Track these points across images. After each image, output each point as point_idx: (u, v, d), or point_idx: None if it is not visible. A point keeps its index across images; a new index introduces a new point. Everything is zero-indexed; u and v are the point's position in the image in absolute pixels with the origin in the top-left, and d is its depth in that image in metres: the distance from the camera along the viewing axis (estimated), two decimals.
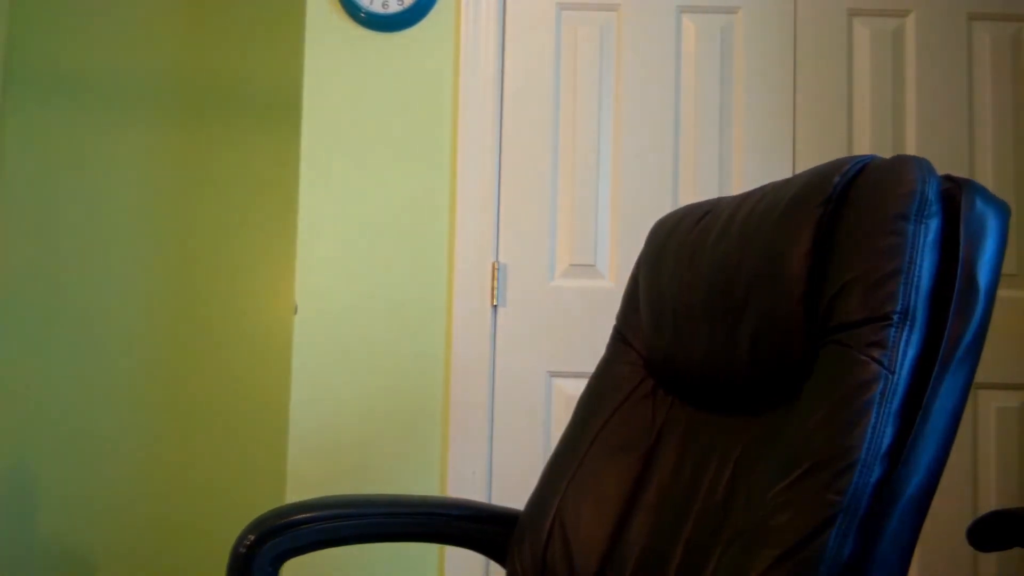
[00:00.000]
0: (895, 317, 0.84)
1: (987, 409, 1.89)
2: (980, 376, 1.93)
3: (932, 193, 0.88)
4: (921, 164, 0.89)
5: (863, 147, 1.93)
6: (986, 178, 1.93)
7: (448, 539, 1.22)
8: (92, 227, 2.41)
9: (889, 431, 0.82)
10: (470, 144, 1.93)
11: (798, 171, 1.93)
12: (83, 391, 2.38)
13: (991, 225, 0.89)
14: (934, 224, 0.87)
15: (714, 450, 1.05)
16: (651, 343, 1.20)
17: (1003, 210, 0.91)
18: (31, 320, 2.39)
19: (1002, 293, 1.93)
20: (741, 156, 1.94)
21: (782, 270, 0.94)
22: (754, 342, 0.97)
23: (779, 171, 1.93)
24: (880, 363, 0.83)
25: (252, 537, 1.06)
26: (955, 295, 0.86)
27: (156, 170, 2.43)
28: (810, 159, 1.93)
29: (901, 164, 0.90)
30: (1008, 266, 1.91)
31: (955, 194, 0.89)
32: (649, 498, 1.12)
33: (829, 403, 0.84)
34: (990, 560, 1.85)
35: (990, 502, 1.87)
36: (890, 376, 0.82)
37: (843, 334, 0.86)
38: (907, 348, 0.84)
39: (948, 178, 0.91)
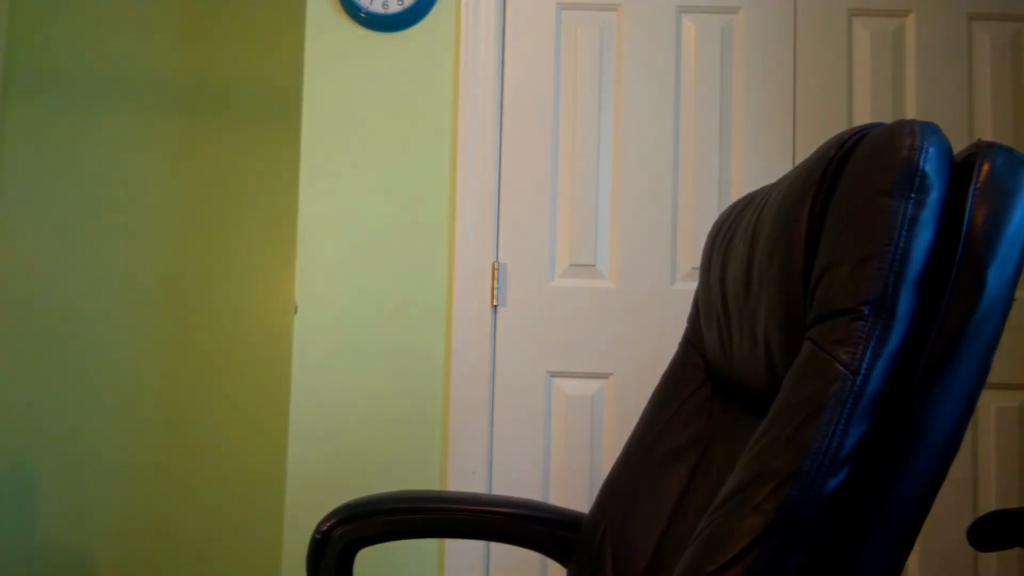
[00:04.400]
0: (865, 309, 0.73)
1: (987, 409, 1.89)
2: None
3: (929, 163, 0.74)
4: (918, 129, 0.75)
5: None
6: None
7: (515, 539, 1.23)
8: (91, 227, 2.41)
9: (850, 438, 0.72)
10: (470, 144, 1.93)
11: None
12: (82, 391, 2.38)
13: (1018, 195, 0.73)
14: (932, 198, 0.73)
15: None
16: (708, 345, 1.14)
17: None
18: (30, 320, 2.38)
19: None
20: (741, 156, 1.94)
21: (782, 256, 0.83)
22: (766, 339, 0.88)
23: (779, 171, 1.93)
24: (842, 362, 0.72)
25: (331, 523, 1.11)
26: (951, 282, 0.73)
27: (156, 170, 2.43)
28: None
29: (896, 130, 0.77)
30: None
31: (972, 161, 0.75)
32: (693, 508, 1.08)
33: (786, 408, 0.75)
34: (990, 560, 1.85)
35: (990, 502, 1.87)
36: (851, 378, 0.72)
37: (815, 329, 0.76)
38: (880, 345, 0.73)
39: (977, 144, 0.77)
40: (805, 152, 1.93)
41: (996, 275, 0.73)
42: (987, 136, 1.94)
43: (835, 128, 1.93)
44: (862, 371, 0.72)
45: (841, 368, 0.72)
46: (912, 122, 0.77)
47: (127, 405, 2.38)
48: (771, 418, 0.76)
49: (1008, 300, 0.75)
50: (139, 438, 2.38)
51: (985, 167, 0.73)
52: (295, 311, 1.93)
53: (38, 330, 2.39)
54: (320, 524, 1.12)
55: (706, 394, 1.14)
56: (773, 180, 1.93)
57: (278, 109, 2.42)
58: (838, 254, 0.75)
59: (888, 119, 1.93)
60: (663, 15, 1.96)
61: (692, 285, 1.91)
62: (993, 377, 1.90)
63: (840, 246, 0.75)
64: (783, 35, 1.96)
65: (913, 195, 0.73)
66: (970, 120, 1.94)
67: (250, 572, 2.31)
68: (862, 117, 1.94)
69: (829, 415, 0.72)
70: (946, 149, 0.76)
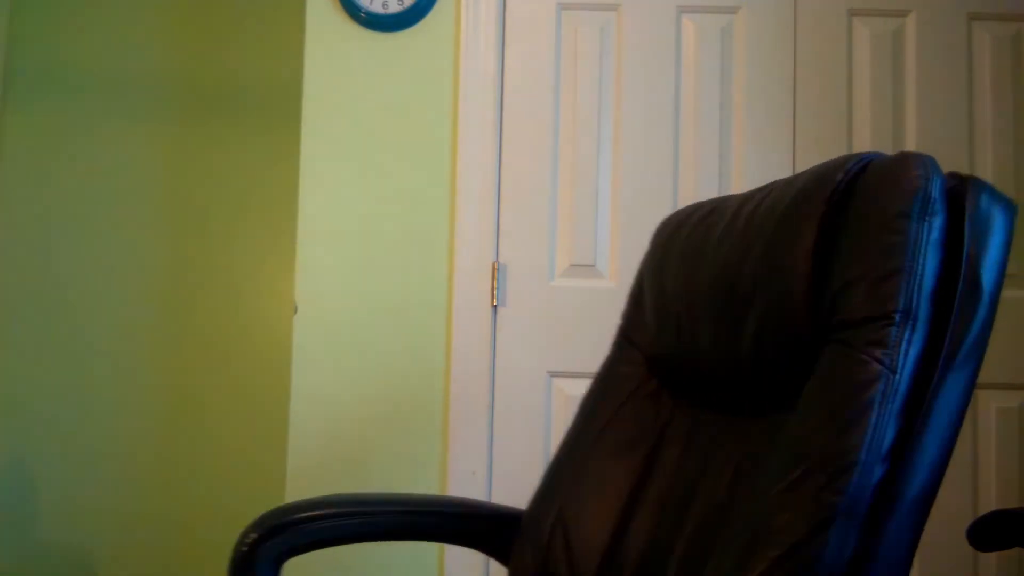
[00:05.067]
0: (897, 316, 0.82)
1: (987, 409, 1.89)
2: (980, 376, 1.93)
3: (936, 191, 0.86)
4: (925, 162, 0.87)
5: (863, 147, 1.93)
6: (986, 178, 1.92)
7: (451, 538, 1.22)
8: (91, 226, 2.41)
9: (890, 431, 0.80)
10: (470, 144, 1.93)
11: (798, 171, 1.93)
12: (82, 391, 2.38)
13: (997, 224, 0.87)
14: (937, 222, 0.85)
15: (716, 451, 1.04)
16: (656, 343, 1.19)
17: (1010, 208, 0.88)
18: (30, 319, 2.38)
19: (1003, 293, 1.94)
20: (741, 156, 1.94)
21: (786, 267, 0.92)
22: (757, 340, 0.96)
23: (779, 171, 1.93)
24: (881, 363, 0.81)
25: (254, 535, 1.06)
26: (958, 295, 0.84)
27: (156, 170, 2.43)
28: (810, 159, 1.93)
29: (905, 161, 0.88)
30: (1009, 266, 1.90)
31: (960, 192, 0.87)
32: (650, 498, 1.12)
33: (830, 403, 0.82)
34: (990, 560, 1.85)
35: (990, 502, 1.87)
36: (891, 376, 0.81)
37: (845, 333, 0.84)
38: (908, 348, 0.82)
39: (953, 175, 0.89)
40: (805, 152, 1.93)
41: (989, 289, 0.87)
42: (987, 137, 1.94)
43: (835, 128, 1.93)
44: (898, 370, 0.81)
45: (881, 367, 0.81)
46: (919, 154, 0.89)
47: (127, 405, 2.38)
48: (809, 413, 0.83)
49: (996, 306, 0.90)
50: (139, 437, 2.38)
51: (975, 201, 0.87)
52: (295, 311, 1.93)
53: (38, 329, 2.39)
54: (244, 536, 1.05)
55: (651, 389, 1.19)
56: (773, 180, 1.93)
57: (278, 109, 2.41)
58: (863, 268, 0.85)
59: (888, 119, 1.94)
60: (663, 15, 1.96)
61: None
62: (993, 377, 1.91)
63: (865, 261, 0.85)
64: (783, 35, 1.95)
65: (927, 219, 0.85)
66: (970, 120, 1.94)
67: None
68: (862, 117, 1.94)
69: (877, 410, 0.80)
70: (945, 180, 0.88)
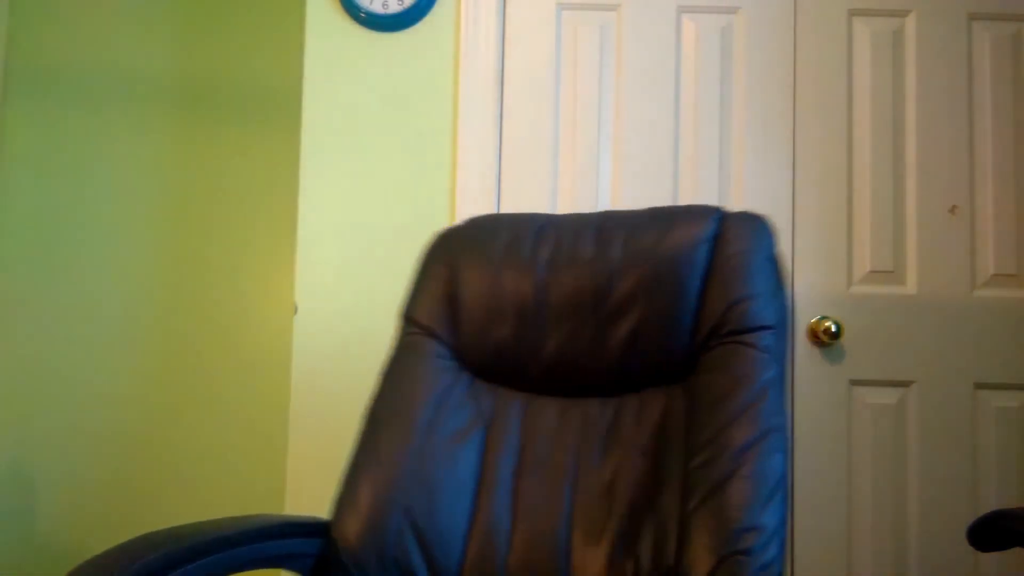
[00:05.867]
0: (777, 326, 1.18)
1: (987, 409, 1.89)
2: (980, 376, 1.94)
3: (774, 244, 1.25)
4: (766, 220, 1.26)
5: (863, 147, 1.93)
6: (986, 178, 1.93)
7: (254, 564, 1.06)
8: (91, 226, 2.41)
9: (780, 402, 1.12)
10: (470, 144, 1.93)
11: (797, 171, 1.93)
12: (82, 391, 2.38)
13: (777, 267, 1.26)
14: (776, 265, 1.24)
15: (573, 430, 1.24)
16: (475, 337, 1.31)
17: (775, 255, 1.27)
18: (30, 319, 2.39)
19: (1002, 293, 1.94)
20: (741, 156, 1.94)
21: (675, 291, 1.22)
22: (635, 338, 1.23)
23: (779, 171, 1.93)
24: (773, 356, 1.15)
25: None
26: (790, 311, 1.08)
27: (156, 170, 2.43)
28: (810, 159, 1.93)
29: (760, 218, 1.27)
30: (1008, 266, 1.91)
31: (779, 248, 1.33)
32: (502, 482, 1.21)
33: (742, 386, 1.13)
34: (990, 560, 1.85)
35: (990, 502, 1.87)
36: (779, 366, 1.15)
37: (740, 336, 1.17)
38: (781, 347, 1.17)
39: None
40: (805, 151, 1.93)
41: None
42: (987, 137, 1.94)
43: (835, 128, 1.94)
44: (783, 362, 1.17)
45: (773, 360, 1.14)
46: (761, 217, 1.27)
47: (127, 404, 2.38)
48: (725, 395, 1.12)
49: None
50: (139, 437, 2.38)
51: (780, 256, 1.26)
52: (295, 311, 1.93)
53: (38, 329, 2.39)
54: None
55: (467, 380, 1.32)
56: (773, 180, 1.93)
57: (278, 109, 2.42)
58: (749, 291, 1.19)
59: (888, 119, 1.94)
60: (663, 15, 1.96)
61: None
62: (993, 377, 1.91)
63: (750, 286, 1.19)
64: (783, 35, 1.96)
65: (777, 259, 1.24)
66: (970, 120, 1.94)
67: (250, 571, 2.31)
68: (862, 117, 1.94)
69: (777, 388, 1.13)
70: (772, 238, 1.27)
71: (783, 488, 1.05)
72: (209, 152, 2.44)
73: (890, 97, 1.95)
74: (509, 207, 1.94)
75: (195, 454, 2.38)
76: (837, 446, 1.88)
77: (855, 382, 1.89)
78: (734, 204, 1.93)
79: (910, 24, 1.96)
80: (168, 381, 2.40)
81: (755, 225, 1.25)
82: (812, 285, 1.90)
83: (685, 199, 1.93)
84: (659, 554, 1.09)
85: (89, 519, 2.36)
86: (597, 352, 1.25)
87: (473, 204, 1.92)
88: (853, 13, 1.96)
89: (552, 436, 1.24)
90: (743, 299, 1.18)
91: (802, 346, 1.89)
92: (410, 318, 1.37)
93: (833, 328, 1.85)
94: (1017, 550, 1.84)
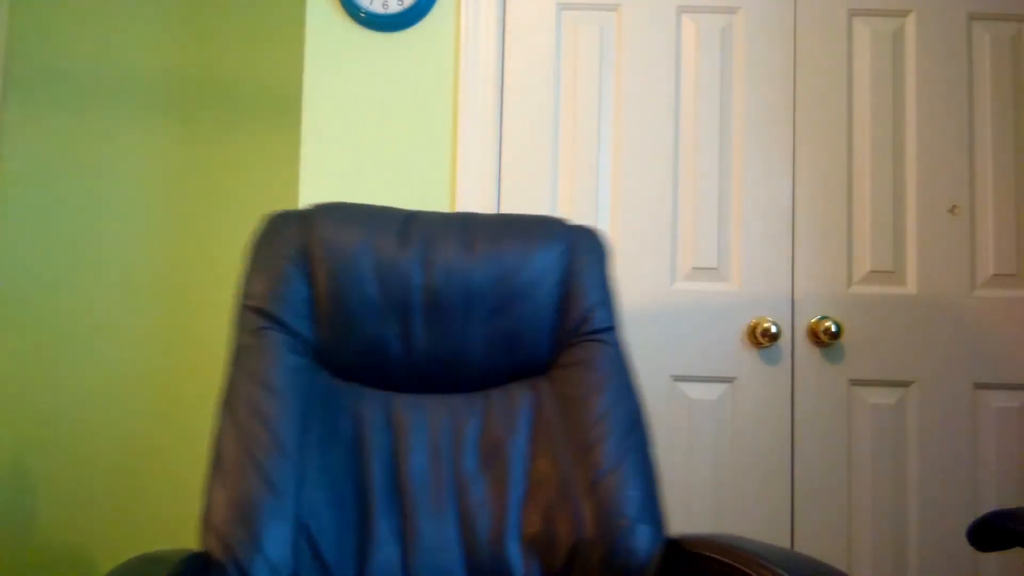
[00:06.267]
0: (614, 326, 1.34)
1: (987, 409, 1.89)
2: (980, 376, 1.94)
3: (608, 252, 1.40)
4: (603, 234, 1.36)
5: (863, 147, 1.93)
6: (986, 178, 1.93)
7: None
8: (91, 227, 2.41)
9: (632, 384, 1.31)
10: (470, 144, 1.93)
11: (797, 171, 1.93)
12: (82, 391, 2.38)
13: None
14: None
15: (446, 428, 1.26)
16: (338, 332, 1.27)
17: None
18: (30, 319, 2.39)
19: (1002, 293, 1.94)
20: (741, 156, 1.94)
21: (542, 294, 1.31)
22: (505, 336, 1.30)
23: (779, 171, 1.93)
24: (617, 348, 1.33)
25: None
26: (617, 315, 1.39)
27: (155, 170, 2.43)
28: (810, 159, 1.93)
29: (597, 235, 1.39)
30: (1008, 266, 1.91)
31: None
32: (382, 492, 1.20)
33: (611, 376, 1.29)
34: (990, 560, 1.85)
35: (990, 502, 1.88)
36: (621, 355, 1.32)
37: (596, 334, 1.32)
38: (619, 341, 1.34)
39: None
40: (805, 151, 1.93)
41: None
42: (987, 137, 1.94)
43: (835, 128, 1.93)
44: (623, 352, 1.35)
45: (620, 352, 1.32)
46: (598, 230, 1.41)
47: (127, 405, 2.38)
48: (595, 387, 1.27)
49: None
50: (139, 438, 2.38)
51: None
52: None
53: (38, 329, 2.39)
54: None
55: (326, 380, 1.28)
56: (773, 179, 1.93)
57: (278, 109, 2.42)
58: (599, 296, 1.34)
59: (888, 119, 1.94)
60: (663, 15, 1.96)
61: (692, 285, 1.91)
62: (993, 377, 1.91)
63: (599, 292, 1.33)
64: (783, 35, 1.96)
65: (610, 268, 1.40)
66: (970, 120, 1.94)
67: None
68: (862, 117, 1.94)
69: (627, 373, 1.32)
70: None
71: (651, 462, 1.24)
72: (209, 152, 2.44)
73: (890, 97, 1.95)
74: (509, 207, 1.94)
75: (195, 454, 2.38)
76: (837, 446, 1.88)
77: (855, 382, 1.89)
78: (734, 204, 1.93)
79: (910, 24, 1.96)
80: (169, 381, 2.40)
81: (597, 238, 1.38)
82: (812, 285, 1.90)
83: (685, 199, 1.93)
84: (554, 537, 1.17)
85: (89, 519, 2.36)
86: (466, 350, 1.30)
87: (473, 204, 1.92)
88: (853, 13, 1.96)
89: (426, 436, 1.26)
90: (596, 304, 1.32)
91: (802, 346, 1.89)
92: (259, 309, 1.25)
93: (833, 328, 1.85)
94: (1017, 550, 1.85)
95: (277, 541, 1.08)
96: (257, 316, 1.25)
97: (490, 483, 1.22)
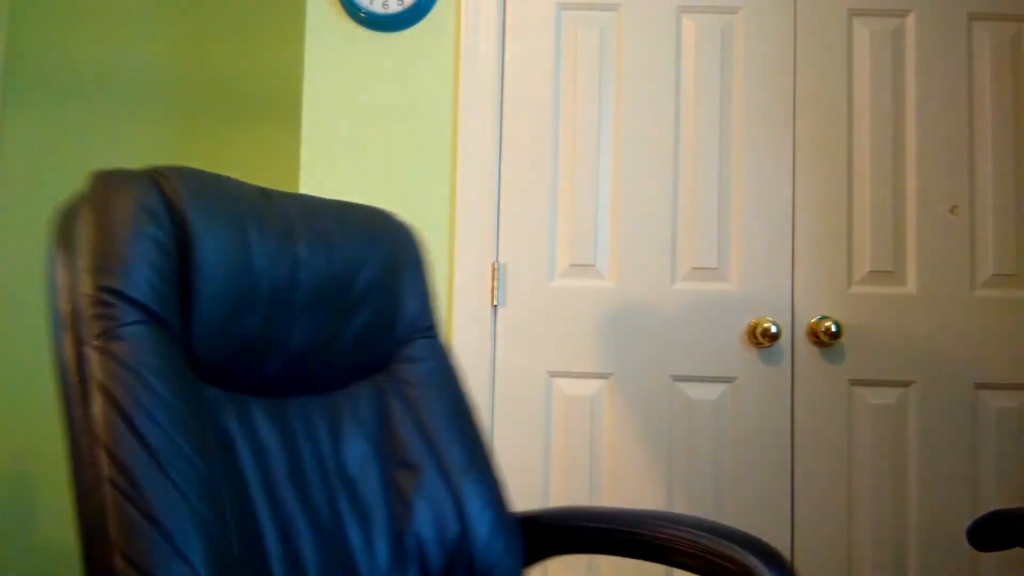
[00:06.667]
0: (436, 324, 1.35)
1: (987, 409, 1.89)
2: (980, 376, 1.94)
3: None
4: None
5: (863, 147, 1.93)
6: (986, 178, 1.93)
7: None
8: None
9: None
10: (470, 144, 1.93)
11: (798, 171, 1.93)
12: None
13: None
14: None
15: (314, 425, 1.18)
16: (215, 327, 1.02)
17: None
18: (30, 319, 2.38)
19: (1002, 293, 1.95)
20: (741, 156, 1.94)
21: (398, 288, 1.28)
22: (365, 331, 1.22)
23: (779, 171, 1.93)
24: (443, 344, 1.35)
25: None
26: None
27: None
28: (810, 159, 1.93)
29: (411, 229, 1.35)
30: (1008, 266, 1.91)
31: None
32: (261, 494, 1.05)
33: (447, 371, 1.31)
34: (990, 560, 1.85)
35: (990, 502, 1.87)
36: (446, 351, 1.34)
37: (430, 330, 1.33)
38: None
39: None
40: (805, 151, 1.93)
41: None
42: (987, 137, 1.94)
43: (835, 128, 1.93)
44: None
45: (445, 348, 1.34)
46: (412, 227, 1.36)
47: None
48: (440, 380, 1.30)
49: None
50: None
51: None
52: None
53: (38, 328, 2.39)
54: None
55: (199, 384, 1.02)
56: (773, 179, 1.93)
57: (278, 109, 2.42)
58: (428, 293, 1.33)
59: (888, 119, 1.94)
60: (663, 15, 1.96)
61: (692, 285, 1.91)
62: (993, 377, 1.91)
63: (427, 288, 1.33)
64: (783, 35, 1.96)
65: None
66: (970, 120, 1.94)
67: None
68: (862, 117, 1.94)
69: (456, 368, 1.34)
70: None
71: (486, 449, 1.29)
72: (209, 152, 2.44)
73: (890, 97, 1.95)
74: (509, 207, 1.94)
75: None
76: (837, 446, 1.88)
77: (855, 382, 1.89)
78: (734, 204, 1.93)
79: (910, 24, 1.96)
80: None
81: (415, 235, 1.36)
82: (812, 285, 1.90)
83: (685, 198, 1.93)
84: (442, 529, 1.19)
85: None
86: (334, 347, 1.18)
87: (473, 203, 1.92)
88: (853, 13, 1.96)
89: (293, 448, 1.13)
90: (428, 301, 1.34)
91: (802, 346, 1.89)
92: (121, 293, 0.94)
93: (833, 328, 1.85)
94: (1017, 550, 1.85)
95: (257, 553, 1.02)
96: (122, 300, 0.95)
97: (355, 488, 1.19)
